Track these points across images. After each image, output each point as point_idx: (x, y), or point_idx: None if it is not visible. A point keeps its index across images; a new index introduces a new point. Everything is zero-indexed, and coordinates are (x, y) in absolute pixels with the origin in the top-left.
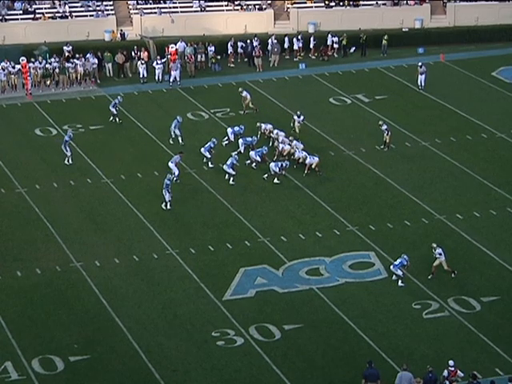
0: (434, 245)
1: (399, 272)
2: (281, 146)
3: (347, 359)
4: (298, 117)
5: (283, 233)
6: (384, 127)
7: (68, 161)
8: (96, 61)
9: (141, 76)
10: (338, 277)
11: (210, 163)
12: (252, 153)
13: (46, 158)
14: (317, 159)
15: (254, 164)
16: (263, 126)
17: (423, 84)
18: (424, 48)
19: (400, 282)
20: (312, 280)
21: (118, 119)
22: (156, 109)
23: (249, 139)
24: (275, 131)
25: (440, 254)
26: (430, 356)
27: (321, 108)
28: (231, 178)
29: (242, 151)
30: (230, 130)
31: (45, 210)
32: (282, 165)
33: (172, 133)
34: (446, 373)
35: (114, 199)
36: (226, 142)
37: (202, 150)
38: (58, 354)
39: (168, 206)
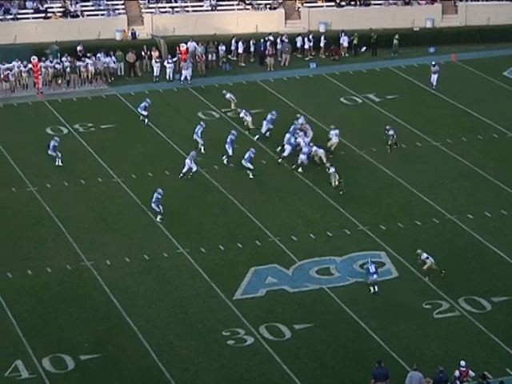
0: (419, 251)
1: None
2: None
3: (357, 359)
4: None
5: (294, 232)
6: (391, 132)
7: (59, 162)
8: (107, 60)
9: (154, 74)
10: (348, 276)
11: (226, 160)
12: (303, 156)
13: None
14: (322, 151)
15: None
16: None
17: (435, 83)
18: (435, 48)
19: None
20: (322, 279)
21: (146, 120)
22: (167, 108)
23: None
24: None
25: (427, 258)
26: (441, 356)
27: (331, 107)
28: (251, 173)
29: (264, 131)
30: (265, 123)
31: (56, 208)
32: (309, 154)
33: (199, 139)
34: (457, 373)
35: (124, 198)
36: (267, 132)
37: (226, 146)
38: (68, 352)
39: (158, 218)
